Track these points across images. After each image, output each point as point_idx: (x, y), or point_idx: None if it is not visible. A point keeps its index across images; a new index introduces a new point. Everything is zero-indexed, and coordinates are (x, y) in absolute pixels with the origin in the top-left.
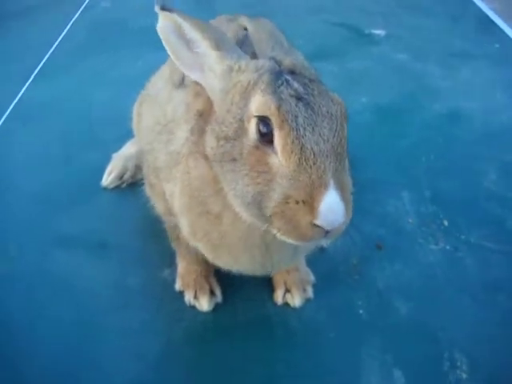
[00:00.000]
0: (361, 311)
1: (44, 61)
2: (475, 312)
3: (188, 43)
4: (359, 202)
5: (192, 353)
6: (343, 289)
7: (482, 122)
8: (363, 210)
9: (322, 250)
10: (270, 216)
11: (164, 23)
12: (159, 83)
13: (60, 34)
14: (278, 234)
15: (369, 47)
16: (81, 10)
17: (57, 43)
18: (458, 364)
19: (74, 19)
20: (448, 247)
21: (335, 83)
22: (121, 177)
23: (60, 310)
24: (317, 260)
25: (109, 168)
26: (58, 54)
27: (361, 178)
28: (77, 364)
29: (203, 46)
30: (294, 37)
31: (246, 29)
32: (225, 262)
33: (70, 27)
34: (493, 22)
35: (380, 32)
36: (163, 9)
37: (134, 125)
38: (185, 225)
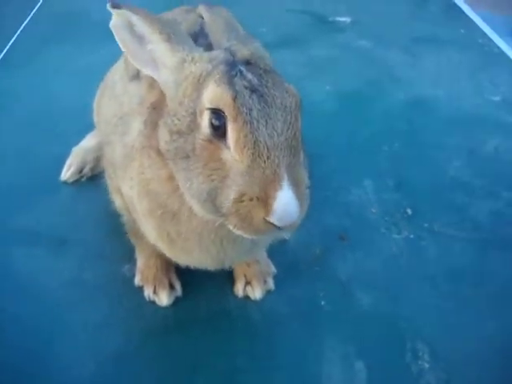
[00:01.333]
0: (322, 302)
1: (4, 52)
2: (437, 301)
3: (140, 39)
4: (322, 192)
5: (152, 347)
6: (305, 280)
7: (446, 109)
8: (326, 200)
9: (283, 241)
10: (225, 213)
11: (116, 20)
12: (116, 75)
13: (21, 25)
14: (234, 229)
15: (333, 34)
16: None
17: (17, 34)
18: (420, 354)
19: (35, 10)
20: (411, 236)
21: (299, 71)
22: (80, 170)
23: (19, 305)
24: (278, 251)
25: (68, 162)
26: (19, 44)
27: (323, 167)
28: (34, 358)
29: (154, 39)
30: (257, 25)
31: (202, 17)
32: (183, 259)
33: (31, 18)
34: (458, 7)
35: (345, 19)
36: (114, 6)
37: (95, 117)
38: (150, 229)
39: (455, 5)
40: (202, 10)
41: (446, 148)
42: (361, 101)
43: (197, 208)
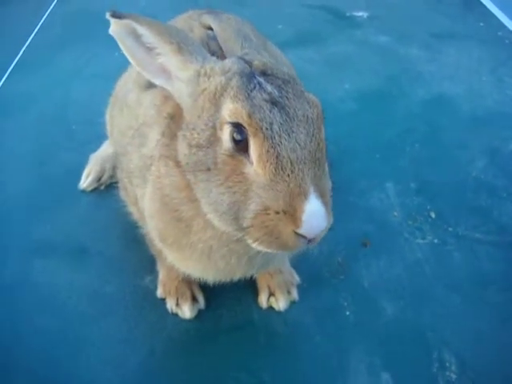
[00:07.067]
0: (347, 312)
1: (19, 55)
2: (464, 309)
3: (147, 48)
4: (343, 197)
5: (175, 362)
6: (329, 290)
7: (467, 107)
8: (348, 205)
9: (306, 250)
10: (248, 227)
11: (116, 29)
12: (128, 85)
13: (35, 27)
14: (255, 245)
15: (350, 30)
16: (56, 0)
17: (32, 36)
18: (447, 365)
19: (48, 11)
20: (436, 241)
21: (316, 69)
22: (99, 179)
23: (40, 319)
24: (301, 260)
25: (86, 170)
26: (33, 47)
27: (344, 171)
28: (59, 373)
29: (164, 50)
30: (274, 22)
31: (210, 28)
32: (193, 270)
33: (45, 19)
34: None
35: (362, 14)
36: (114, 15)
37: (108, 127)
38: (154, 228)
39: None
40: (208, 19)
41: (468, 148)
42: (381, 99)
43: (214, 220)
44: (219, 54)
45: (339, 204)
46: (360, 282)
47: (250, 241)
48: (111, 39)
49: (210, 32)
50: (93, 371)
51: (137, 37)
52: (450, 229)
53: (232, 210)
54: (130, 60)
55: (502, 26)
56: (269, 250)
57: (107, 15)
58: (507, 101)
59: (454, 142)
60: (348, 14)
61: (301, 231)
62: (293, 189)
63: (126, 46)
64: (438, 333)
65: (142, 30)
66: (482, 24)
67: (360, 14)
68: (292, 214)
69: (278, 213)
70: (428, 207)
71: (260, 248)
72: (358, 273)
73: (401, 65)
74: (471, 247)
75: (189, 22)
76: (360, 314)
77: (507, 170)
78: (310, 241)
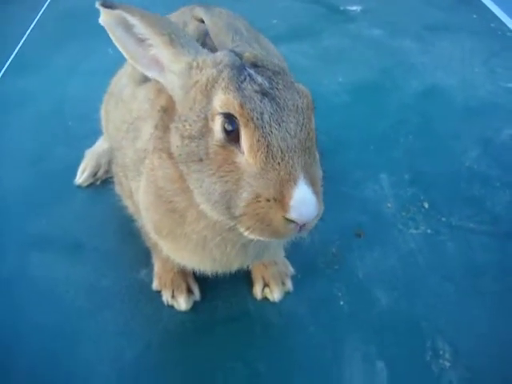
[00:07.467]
0: (341, 303)
1: (14, 54)
2: (458, 299)
3: (139, 39)
4: (337, 188)
5: (171, 354)
6: (323, 280)
7: (460, 98)
8: (341, 196)
9: (300, 240)
10: (240, 215)
11: (106, 19)
12: (123, 80)
13: (31, 24)
14: (247, 233)
15: (344, 24)
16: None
17: (27, 33)
18: (441, 353)
19: (44, 7)
20: (429, 231)
21: (311, 63)
22: (94, 174)
23: (37, 313)
24: (295, 251)
25: (82, 166)
26: (30, 44)
27: (339, 162)
28: (56, 367)
29: (156, 42)
30: (268, 17)
31: (202, 21)
32: (189, 261)
33: (41, 15)
34: None
35: (355, 8)
36: (104, 5)
37: (103, 123)
38: (149, 221)
39: None
40: (200, 12)
41: (462, 138)
42: (374, 92)
43: (207, 209)
44: (213, 47)
45: (333, 195)
46: (354, 273)
47: (242, 229)
48: (104, 35)
49: (202, 25)
50: (89, 364)
51: (128, 27)
52: (444, 219)
53: (224, 199)
54: (123, 52)
55: (495, 18)
56: (261, 238)
57: (97, 5)
58: (500, 92)
59: (448, 132)
60: (342, 8)
61: (290, 216)
62: (283, 176)
63: (116, 37)
64: (432, 322)
65: (133, 20)
66: (474, 16)
67: (354, 8)
68: (281, 200)
69: (268, 200)
70: (421, 198)
71: (252, 236)
72: (352, 263)
73: (394, 57)
74: (465, 237)
75: (182, 17)
76: (354, 304)
77: (500, 160)
78: (301, 228)
